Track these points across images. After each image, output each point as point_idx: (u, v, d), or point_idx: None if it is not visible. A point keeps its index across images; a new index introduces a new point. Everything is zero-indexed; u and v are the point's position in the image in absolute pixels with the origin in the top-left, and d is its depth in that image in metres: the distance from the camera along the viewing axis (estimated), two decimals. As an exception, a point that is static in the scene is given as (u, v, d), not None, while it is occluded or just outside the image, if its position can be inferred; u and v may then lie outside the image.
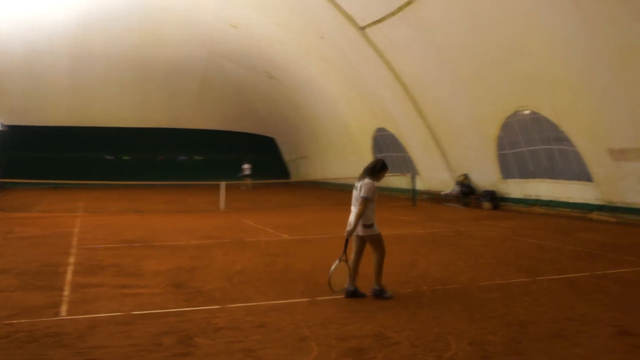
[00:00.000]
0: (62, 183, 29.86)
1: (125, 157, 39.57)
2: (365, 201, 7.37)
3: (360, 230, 7.48)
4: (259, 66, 32.89)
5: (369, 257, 7.72)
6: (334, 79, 28.32)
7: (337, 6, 21.72)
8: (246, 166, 34.78)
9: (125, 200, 25.78)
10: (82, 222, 16.32)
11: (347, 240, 7.54)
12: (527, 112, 18.36)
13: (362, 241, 7.67)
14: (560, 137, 17.38)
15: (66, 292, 7.74)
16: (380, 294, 7.56)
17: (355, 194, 7.57)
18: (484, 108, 20.01)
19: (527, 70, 17.22)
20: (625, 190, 15.83)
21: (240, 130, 41.76)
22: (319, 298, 7.55)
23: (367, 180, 7.56)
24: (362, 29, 22.09)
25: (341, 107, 30.08)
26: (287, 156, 43.01)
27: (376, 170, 7.71)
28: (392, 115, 25.63)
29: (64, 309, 6.92)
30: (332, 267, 7.41)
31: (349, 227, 7.50)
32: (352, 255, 7.67)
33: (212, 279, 8.76)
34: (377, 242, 7.57)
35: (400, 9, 19.64)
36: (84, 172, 33.26)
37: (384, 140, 27.96)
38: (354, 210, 7.55)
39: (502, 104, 19.11)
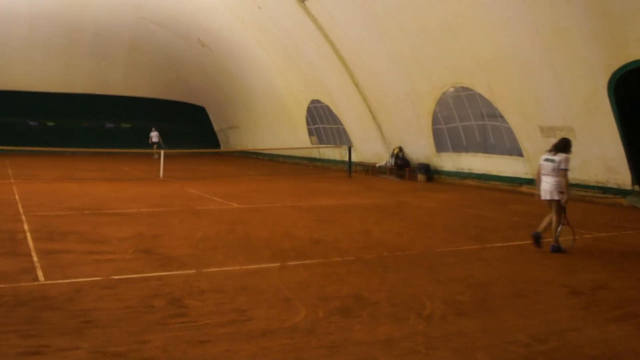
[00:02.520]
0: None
1: (50, 123, 38.23)
2: (566, 172, 8.83)
3: (556, 195, 8.81)
4: (191, 34, 32.38)
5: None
6: (269, 50, 28.33)
7: (278, -24, 21.81)
8: (154, 134, 33.79)
9: (56, 167, 25.13)
10: (19, 190, 15.90)
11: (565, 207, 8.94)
12: (462, 88, 19.12)
13: (554, 204, 8.91)
14: (494, 114, 18.26)
15: (35, 259, 7.73)
16: (559, 249, 8.85)
17: (552, 165, 8.89)
18: (421, 83, 20.66)
19: (464, 48, 17.92)
20: (553, 165, 16.87)
21: (170, 98, 41.01)
22: (289, 263, 7.89)
23: (566, 155, 8.91)
24: (302, 1, 22.24)
25: (275, 78, 30.17)
26: (217, 126, 42.73)
27: (568, 147, 9.06)
28: (328, 87, 26.00)
29: (40, 274, 6.95)
30: (558, 231, 8.88)
31: (565, 196, 8.84)
32: (547, 217, 9.05)
33: (177, 245, 8.94)
34: (561, 206, 8.88)
35: (342, -18, 19.97)
36: (4, 137, 31.95)
37: (317, 112, 28.33)
38: (549, 179, 8.88)
39: (439, 79, 19.80)
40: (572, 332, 5.34)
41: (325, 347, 4.83)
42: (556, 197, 8.85)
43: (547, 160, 8.99)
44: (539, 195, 9.10)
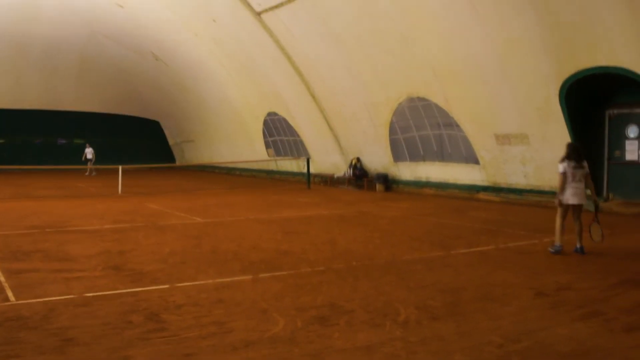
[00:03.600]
0: None
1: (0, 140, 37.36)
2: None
3: (584, 200, 9.45)
4: (144, 47, 32.08)
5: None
6: (225, 63, 28.33)
7: (234, -10, 21.90)
8: (88, 150, 32.53)
9: (9, 185, 24.57)
10: (-26, 209, 15.60)
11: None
12: (418, 98, 19.49)
13: (577, 208, 9.49)
14: (450, 123, 18.69)
15: (2, 278, 7.60)
16: (582, 251, 9.34)
17: (582, 171, 9.40)
18: (377, 94, 21.00)
19: (419, 59, 18.32)
20: (508, 173, 17.37)
21: (124, 113, 40.43)
22: (260, 275, 7.96)
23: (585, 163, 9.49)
24: (259, 14, 22.37)
25: (231, 91, 30.16)
26: (172, 140, 42.38)
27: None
28: (285, 99, 26.14)
29: (10, 294, 6.85)
30: (592, 230, 9.54)
31: (594, 197, 9.70)
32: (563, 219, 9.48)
33: (146, 260, 8.92)
34: (582, 210, 9.56)
35: (297, -5, 20.18)
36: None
37: (274, 124, 28.42)
38: (580, 185, 9.40)
39: (395, 90, 20.16)
40: (542, 331, 5.57)
41: (308, 356, 4.93)
42: (583, 202, 9.47)
43: (576, 167, 9.36)
44: (561, 201, 9.48)
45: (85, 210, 15.73)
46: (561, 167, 9.43)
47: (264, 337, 5.38)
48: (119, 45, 32.74)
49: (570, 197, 9.37)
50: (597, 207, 9.68)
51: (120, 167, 21.43)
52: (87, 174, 32.43)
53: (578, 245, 9.39)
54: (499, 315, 6.10)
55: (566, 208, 9.49)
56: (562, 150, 15.33)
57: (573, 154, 9.48)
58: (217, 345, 5.16)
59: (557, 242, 9.40)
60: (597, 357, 5.02)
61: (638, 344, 5.34)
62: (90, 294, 6.88)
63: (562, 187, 9.43)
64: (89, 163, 32.04)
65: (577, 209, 9.51)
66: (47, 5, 28.43)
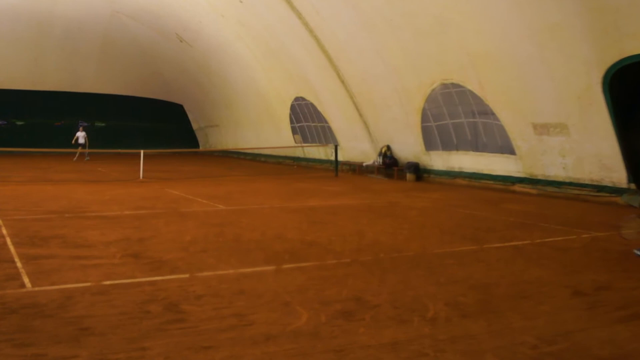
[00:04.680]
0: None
1: (19, 123, 37.86)
2: None
3: None
4: (168, 28, 32.28)
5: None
6: (251, 46, 28.37)
7: (261, -31, 21.88)
8: (81, 134, 31.34)
9: (28, 169, 24.96)
10: (-7, 192, 15.87)
11: None
12: (452, 84, 19.30)
13: None
14: (485, 111, 18.47)
15: (19, 264, 7.70)
16: None
17: None
18: (409, 79, 20.84)
19: (453, 44, 18.10)
20: (546, 164, 17.12)
21: (146, 96, 40.81)
22: (284, 266, 7.95)
23: None
24: (287, -6, 22.33)
25: (258, 75, 30.21)
26: (195, 124, 42.62)
27: None
28: (313, 84, 26.10)
29: (26, 280, 6.93)
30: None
31: None
32: None
33: (167, 248, 8.97)
34: None
35: (327, -25, 20.07)
36: (-30, 137, 31.68)
37: (302, 110, 28.41)
38: None
39: (427, 76, 19.98)
40: (579, 333, 5.47)
41: (331, 351, 4.90)
42: None
43: None
44: None
45: (104, 195, 15.88)
46: None
47: (285, 331, 5.37)
48: (142, 25, 32.98)
49: None
50: None
51: (142, 152, 21.60)
52: (75, 159, 31.18)
53: None
54: (533, 315, 6.00)
55: None
56: (604, 142, 15.20)
57: None
58: (236, 338, 5.16)
59: None
60: (638, 361, 4.92)
61: (682, 348, 5.22)
62: (108, 282, 6.93)
63: None
64: (79, 147, 30.90)
65: None
66: (68, -17, 28.80)
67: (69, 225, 10.86)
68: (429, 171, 21.77)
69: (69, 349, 4.85)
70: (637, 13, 13.29)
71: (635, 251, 8.83)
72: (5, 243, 9.14)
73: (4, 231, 10.15)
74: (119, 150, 30.42)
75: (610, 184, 15.64)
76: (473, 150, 19.73)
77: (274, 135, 31.48)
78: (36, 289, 6.64)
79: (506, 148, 18.27)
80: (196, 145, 42.50)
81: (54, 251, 8.67)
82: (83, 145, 30.93)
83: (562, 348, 5.08)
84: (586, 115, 15.48)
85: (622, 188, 15.39)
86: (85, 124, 37.34)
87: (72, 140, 31.03)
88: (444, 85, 19.61)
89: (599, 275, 7.69)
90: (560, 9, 14.58)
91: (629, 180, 15.20)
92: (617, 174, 15.41)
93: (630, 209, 14.42)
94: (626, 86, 14.87)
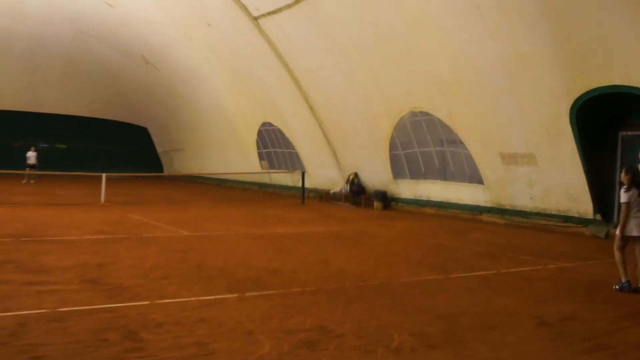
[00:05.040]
0: None
1: (-28, 142, 37.28)
2: None
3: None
4: (134, 49, 32.09)
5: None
6: (219, 69, 28.40)
7: (230, -7, 22.00)
8: (32, 154, 30.62)
9: (-17, 190, 24.52)
10: (-55, 215, 15.52)
11: None
12: (421, 113, 19.51)
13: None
14: (454, 140, 18.71)
15: (-29, 290, 7.57)
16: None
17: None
18: (378, 107, 21.03)
19: (423, 72, 18.37)
20: (514, 194, 17.37)
21: (110, 117, 40.27)
22: (247, 294, 7.90)
23: None
24: (256, 19, 22.45)
25: (225, 98, 30.19)
26: (160, 147, 42.34)
27: None
28: (281, 109, 26.16)
29: (-23, 307, 6.81)
30: None
31: None
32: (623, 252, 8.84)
33: (126, 275, 8.84)
34: None
35: (297, 1, 20.23)
36: None
37: (269, 135, 28.43)
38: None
39: (397, 104, 20.20)
40: (545, 364, 5.53)
41: (294, 382, 4.87)
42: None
43: None
44: (623, 233, 8.82)
45: (63, 219, 15.64)
46: (626, 197, 8.70)
47: (247, 361, 5.32)
48: (107, 46, 32.77)
49: (635, 227, 8.71)
50: None
51: (104, 175, 21.33)
52: (24, 181, 30.50)
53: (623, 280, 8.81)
54: (499, 345, 6.04)
55: (627, 240, 8.85)
56: (571, 173, 15.48)
57: (638, 179, 8.82)
58: (197, 368, 5.10)
59: (623, 278, 8.77)
60: (602, 393, 4.97)
61: (646, 380, 5.29)
62: (64, 309, 6.80)
63: (626, 218, 8.74)
64: (27, 169, 30.12)
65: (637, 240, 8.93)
66: (29, 2, 28.51)
67: (24, 250, 10.64)
68: (396, 199, 21.90)
69: (20, 379, 4.74)
70: (603, 46, 13.68)
71: (615, 287, 8.87)
72: (-44, 267, 8.93)
73: (-44, 255, 9.94)
74: (80, 173, 29.96)
75: (577, 215, 15.92)
76: (441, 179, 19.93)
77: (241, 161, 31.39)
78: (-12, 315, 6.50)
79: (474, 177, 18.49)
80: (160, 169, 42.14)
81: (7, 277, 8.47)
82: (33, 167, 30.31)
83: (527, 379, 5.12)
84: (554, 146, 15.79)
85: (588, 219, 15.67)
86: (45, 146, 36.93)
87: (26, 162, 30.39)
88: (413, 114, 19.83)
89: (564, 306, 7.78)
90: (529, 40, 14.93)
91: (595, 211, 15.49)
92: (583, 204, 15.70)
93: (596, 240, 14.67)
94: (593, 117, 15.23)
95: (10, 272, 8.83)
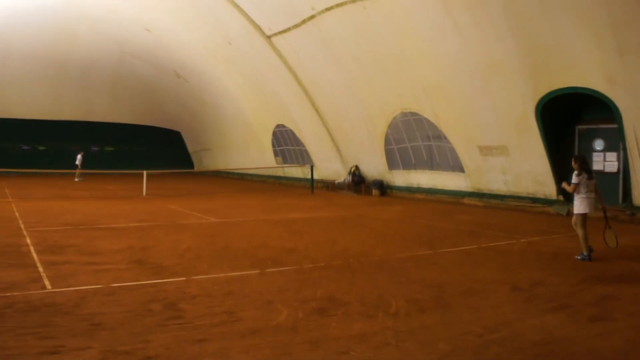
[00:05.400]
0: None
1: (41, 147, 37.58)
2: None
3: (594, 209, 8.96)
4: (168, 66, 32.18)
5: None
6: (238, 80, 28.37)
7: (247, 17, 21.94)
8: (78, 156, 30.19)
9: (48, 187, 24.69)
10: (18, 208, 15.57)
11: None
12: (410, 113, 19.49)
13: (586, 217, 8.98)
14: (439, 135, 18.67)
15: (41, 269, 7.63)
16: (589, 258, 8.87)
17: (594, 182, 8.97)
18: (374, 109, 21.00)
19: (411, 79, 18.32)
20: (490, 180, 17.35)
21: (149, 124, 40.57)
22: (267, 270, 7.96)
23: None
24: (269, 37, 22.42)
25: (244, 105, 30.18)
26: (191, 148, 42.44)
27: None
28: (292, 113, 26.15)
29: (47, 283, 6.87)
30: (606, 236, 9.12)
31: (603, 205, 9.17)
32: (583, 231, 8.91)
33: (166, 256, 8.91)
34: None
35: (303, 21, 20.20)
36: (0, 160, 31.18)
37: (282, 135, 28.43)
38: (592, 195, 8.92)
39: (390, 106, 20.16)
40: (517, 322, 5.57)
41: (307, 343, 4.93)
42: (593, 211, 8.98)
43: (590, 179, 8.89)
44: (572, 211, 9.06)
45: (113, 210, 15.74)
46: (576, 179, 8.86)
47: (268, 326, 5.38)
48: (146, 64, 32.90)
49: (586, 207, 8.84)
50: (605, 214, 9.16)
51: (145, 172, 21.46)
52: (76, 179, 30.39)
53: (585, 253, 8.88)
54: (479, 308, 6.08)
55: (584, 216, 8.90)
56: (538, 161, 15.47)
57: (586, 166, 9.01)
58: (226, 332, 5.16)
59: (585, 252, 8.83)
60: (564, 345, 5.00)
61: (600, 332, 5.34)
62: (116, 285, 6.89)
63: (573, 192, 8.94)
64: (76, 169, 30.05)
65: (585, 217, 8.94)
66: (82, 29, 28.84)
67: (82, 236, 10.74)
68: (391, 187, 21.90)
69: (83, 341, 4.83)
70: (562, 52, 13.65)
71: (577, 257, 8.92)
72: (29, 251, 9.05)
73: (28, 241, 10.06)
74: (126, 171, 30.11)
75: (543, 197, 15.91)
76: (429, 169, 19.91)
77: (259, 157, 31.43)
78: (55, 290, 6.59)
79: (457, 167, 18.47)
80: (191, 166, 42.25)
81: (70, 258, 8.58)
82: (76, 167, 30.26)
83: (503, 335, 5.17)
84: (522, 139, 15.76)
85: (552, 200, 15.66)
86: (96, 149, 37.22)
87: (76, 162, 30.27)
88: (404, 114, 19.80)
89: (534, 273, 7.81)
90: (501, 50, 14.88)
91: (558, 193, 15.48)
92: (548, 188, 15.68)
93: (559, 217, 14.66)
94: (554, 114, 15.21)
95: (72, 254, 8.93)
